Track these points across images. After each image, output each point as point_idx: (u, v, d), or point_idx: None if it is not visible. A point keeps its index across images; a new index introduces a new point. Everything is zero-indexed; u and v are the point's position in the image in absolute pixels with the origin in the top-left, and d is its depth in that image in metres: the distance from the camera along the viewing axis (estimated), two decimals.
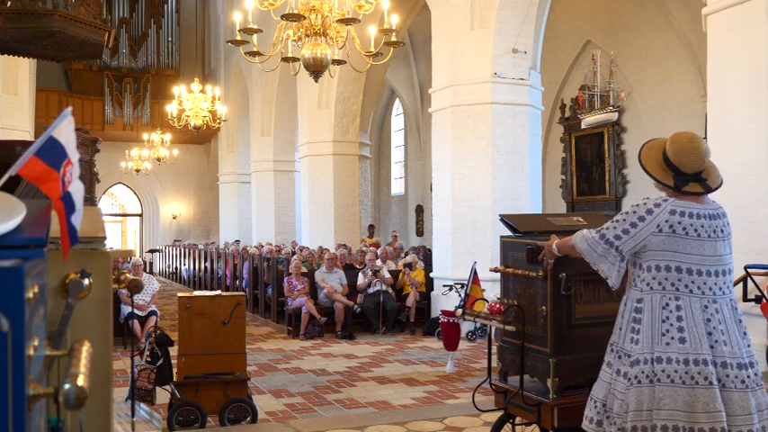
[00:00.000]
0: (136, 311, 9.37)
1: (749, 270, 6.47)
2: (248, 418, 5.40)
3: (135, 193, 27.76)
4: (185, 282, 19.21)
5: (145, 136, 21.82)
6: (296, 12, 7.11)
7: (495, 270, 3.72)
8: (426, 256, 12.28)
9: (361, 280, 10.79)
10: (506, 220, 3.77)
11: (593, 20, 14.97)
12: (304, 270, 11.01)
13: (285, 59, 7.88)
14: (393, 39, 7.52)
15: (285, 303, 10.67)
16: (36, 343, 1.05)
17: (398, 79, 21.20)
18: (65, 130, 1.19)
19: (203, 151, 27.65)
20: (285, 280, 10.77)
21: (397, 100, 23.10)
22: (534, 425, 3.54)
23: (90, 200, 7.05)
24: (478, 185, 10.06)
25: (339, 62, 7.95)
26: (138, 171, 23.25)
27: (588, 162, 15.38)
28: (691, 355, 2.70)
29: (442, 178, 10.59)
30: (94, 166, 7.62)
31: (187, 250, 19.26)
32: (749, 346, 2.83)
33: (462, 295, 8.39)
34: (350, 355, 8.68)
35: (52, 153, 1.15)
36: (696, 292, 2.78)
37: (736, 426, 2.68)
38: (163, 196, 27.22)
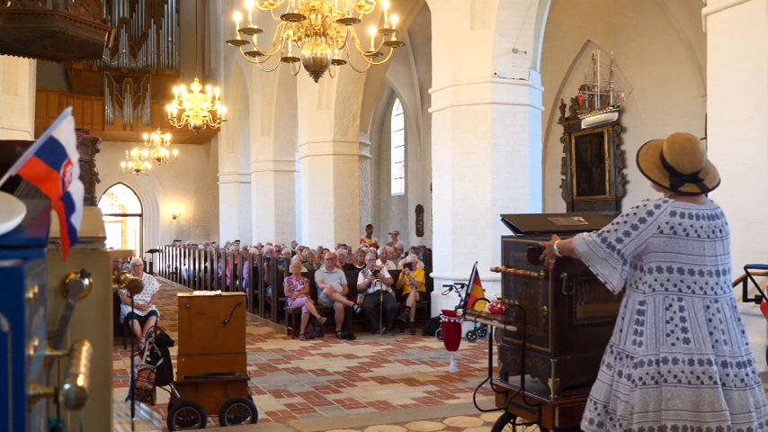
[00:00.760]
0: (136, 311, 9.37)
1: (749, 270, 6.47)
2: (248, 418, 5.40)
3: (135, 193, 27.75)
4: (185, 282, 19.21)
5: (145, 136, 21.82)
6: (296, 12, 7.11)
7: (497, 270, 3.71)
8: (426, 256, 12.28)
9: (361, 280, 10.79)
10: (507, 219, 3.77)
11: (593, 20, 14.96)
12: (304, 270, 11.00)
13: (285, 59, 7.88)
14: (393, 39, 7.52)
15: (285, 303, 10.67)
16: (36, 343, 1.05)
17: (398, 79, 21.19)
18: (65, 130, 1.18)
19: (203, 151, 27.65)
20: (285, 280, 10.76)
21: (397, 100, 23.09)
22: (535, 425, 3.53)
23: (90, 200, 7.05)
24: (478, 185, 10.06)
25: (339, 62, 7.94)
26: (138, 171, 23.25)
27: (588, 162, 15.37)
28: (695, 356, 2.71)
29: (442, 178, 10.58)
30: (94, 166, 7.61)
31: (187, 250, 19.26)
32: (747, 343, 2.85)
33: (462, 295, 8.39)
34: (350, 355, 8.68)
35: (52, 153, 1.15)
36: (698, 292, 2.78)
37: (737, 424, 2.69)
38: (163, 196, 27.22)
